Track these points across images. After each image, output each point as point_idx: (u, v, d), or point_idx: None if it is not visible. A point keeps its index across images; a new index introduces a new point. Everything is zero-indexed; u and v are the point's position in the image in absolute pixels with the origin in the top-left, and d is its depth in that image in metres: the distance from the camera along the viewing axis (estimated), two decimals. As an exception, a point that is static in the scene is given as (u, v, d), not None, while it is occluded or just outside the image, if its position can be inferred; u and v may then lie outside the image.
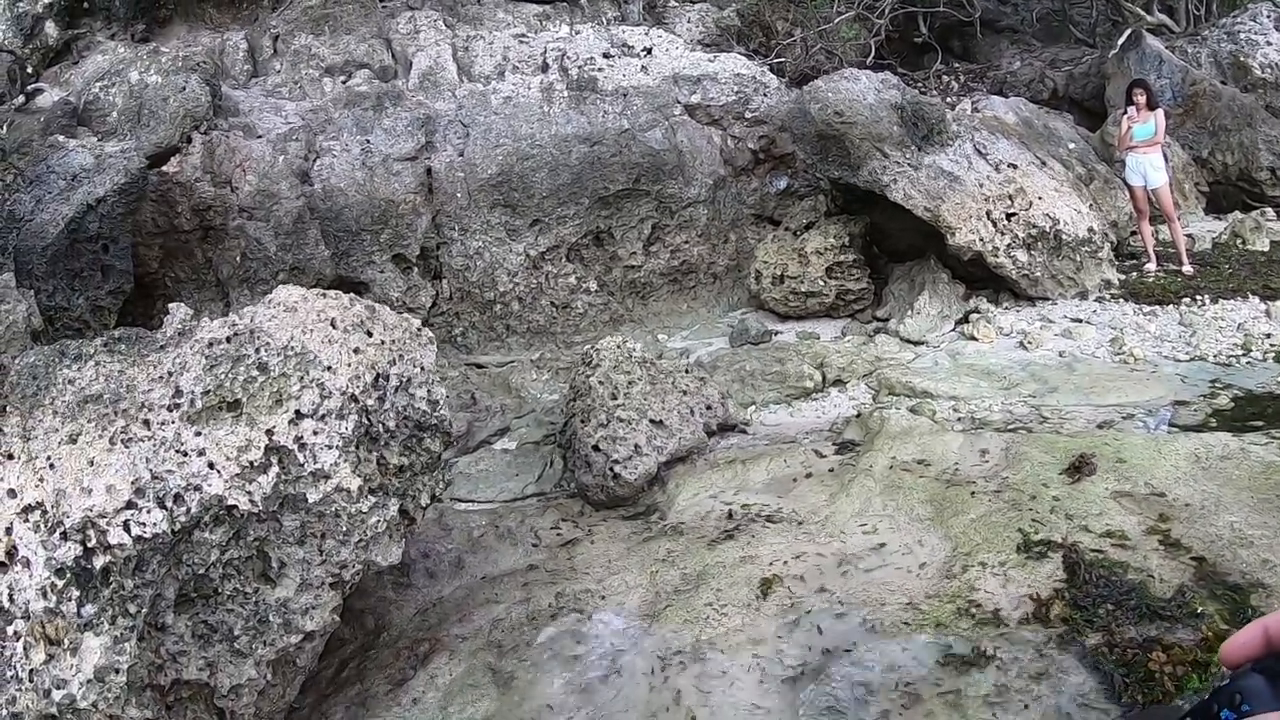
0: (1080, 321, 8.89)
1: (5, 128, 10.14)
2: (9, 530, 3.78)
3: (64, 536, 3.68)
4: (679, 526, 5.93)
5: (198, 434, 3.94)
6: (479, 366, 9.88)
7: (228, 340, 4.18)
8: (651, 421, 6.82)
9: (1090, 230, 9.68)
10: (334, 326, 4.40)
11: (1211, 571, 4.19)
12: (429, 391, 4.64)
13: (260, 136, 10.49)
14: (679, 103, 11.30)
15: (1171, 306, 8.95)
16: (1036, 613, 4.11)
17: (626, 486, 6.49)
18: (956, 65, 15.84)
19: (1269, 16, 14.70)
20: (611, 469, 6.51)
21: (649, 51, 12.01)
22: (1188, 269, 9.96)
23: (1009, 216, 9.40)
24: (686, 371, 7.52)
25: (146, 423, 3.93)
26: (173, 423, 3.94)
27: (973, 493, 5.37)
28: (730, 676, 4.21)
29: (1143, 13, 14.19)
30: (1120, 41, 13.80)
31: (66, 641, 3.61)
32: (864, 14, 14.51)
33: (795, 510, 5.75)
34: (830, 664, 4.14)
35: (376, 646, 5.13)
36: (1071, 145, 11.83)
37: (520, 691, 4.44)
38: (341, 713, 4.60)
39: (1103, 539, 4.62)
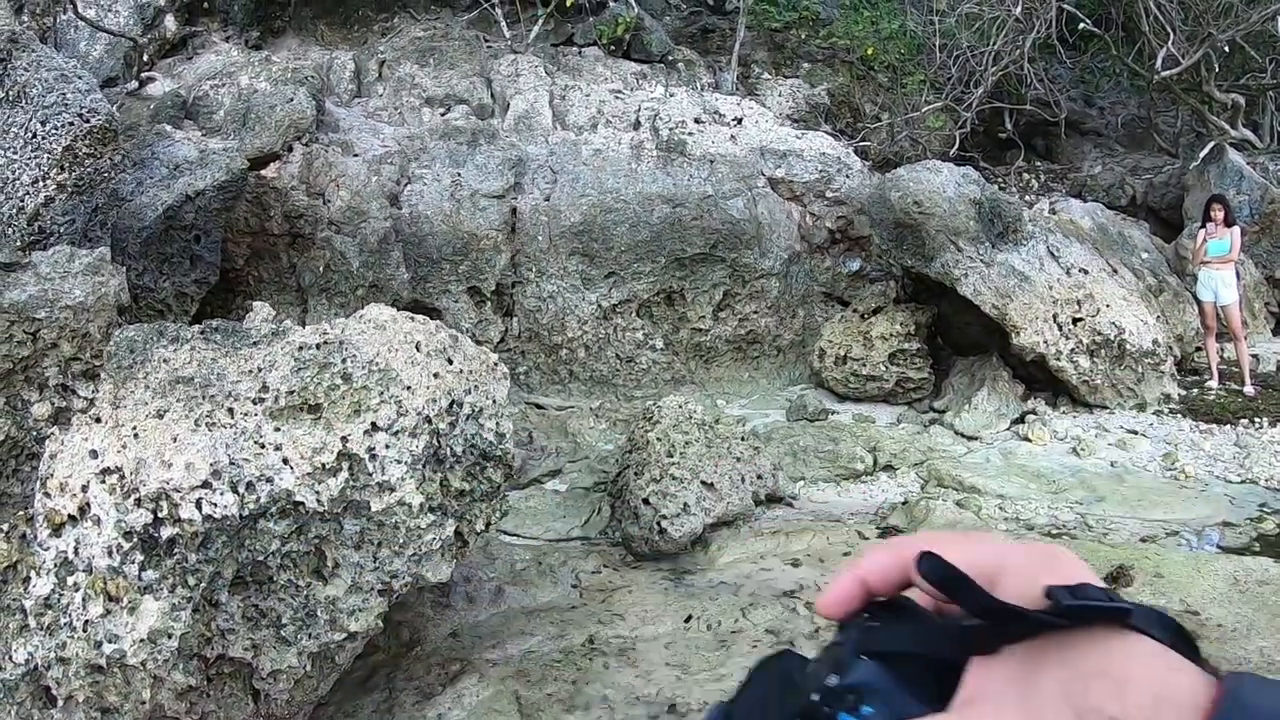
0: (1135, 434, 8.89)
1: (117, 110, 10.56)
2: (85, 488, 4.00)
3: (137, 503, 3.89)
4: (716, 588, 6.04)
5: (277, 430, 4.14)
6: (539, 407, 10.05)
7: (317, 347, 4.40)
8: (703, 483, 6.94)
9: (1155, 342, 9.70)
10: (418, 349, 4.60)
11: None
12: (498, 424, 4.81)
13: (357, 155, 10.85)
14: (763, 175, 11.51)
15: (1229, 426, 8.92)
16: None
17: (671, 543, 6.61)
18: (1038, 164, 15.92)
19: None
20: (659, 523, 6.63)
21: (739, 122, 12.26)
22: (1249, 390, 9.91)
23: (1075, 321, 9.47)
24: (742, 439, 7.64)
25: (231, 411, 4.14)
26: (255, 415, 4.15)
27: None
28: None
29: (1227, 127, 14.15)
30: (1202, 154, 13.76)
31: (125, 600, 3.80)
32: (952, 105, 14.68)
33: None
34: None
35: (408, 659, 5.26)
36: (1145, 255, 11.87)
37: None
38: (367, 715, 4.73)
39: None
